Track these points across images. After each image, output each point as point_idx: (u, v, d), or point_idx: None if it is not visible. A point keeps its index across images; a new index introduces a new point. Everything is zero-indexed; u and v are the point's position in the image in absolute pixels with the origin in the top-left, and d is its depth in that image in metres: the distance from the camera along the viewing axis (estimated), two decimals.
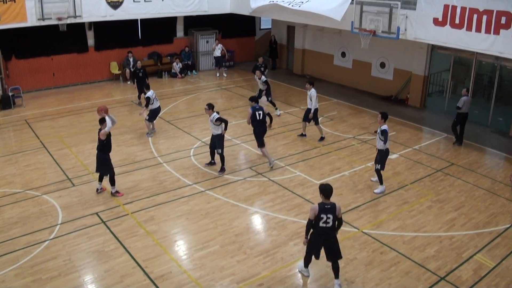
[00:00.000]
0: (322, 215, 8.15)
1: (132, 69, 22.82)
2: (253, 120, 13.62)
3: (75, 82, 22.61)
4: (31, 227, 10.52)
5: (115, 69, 23.44)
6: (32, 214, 11.07)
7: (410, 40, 16.73)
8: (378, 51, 21.23)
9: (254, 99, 13.96)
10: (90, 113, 18.30)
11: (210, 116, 13.06)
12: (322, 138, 15.92)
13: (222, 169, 13.43)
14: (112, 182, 11.95)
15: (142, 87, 19.16)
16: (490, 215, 11.57)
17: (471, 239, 10.47)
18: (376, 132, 12.50)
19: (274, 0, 20.55)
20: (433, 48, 19.19)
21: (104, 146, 11.61)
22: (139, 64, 19.74)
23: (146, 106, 15.84)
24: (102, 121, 11.40)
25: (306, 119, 15.82)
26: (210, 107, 13.03)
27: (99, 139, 11.50)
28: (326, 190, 8.21)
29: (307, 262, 8.98)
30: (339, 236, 8.59)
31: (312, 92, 15.39)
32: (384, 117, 12.01)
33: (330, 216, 8.15)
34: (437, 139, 16.59)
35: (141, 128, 16.72)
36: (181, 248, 10.05)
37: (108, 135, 11.55)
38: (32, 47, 20.87)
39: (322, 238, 8.39)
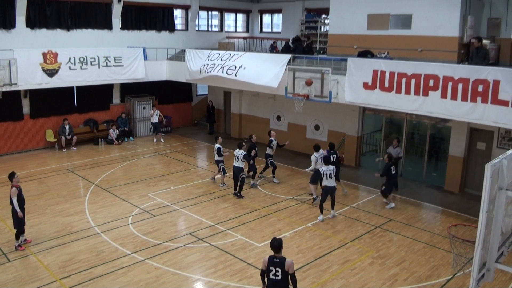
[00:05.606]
0: (270, 268, 8.37)
1: (67, 137, 22.44)
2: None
3: (10, 151, 21.82)
4: None
5: (50, 137, 22.87)
6: None
7: (342, 103, 17.43)
8: (312, 114, 21.93)
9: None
10: (25, 183, 17.49)
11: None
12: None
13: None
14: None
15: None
16: (431, 267, 11.84)
17: None
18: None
19: (209, 71, 20.98)
20: (365, 109, 20.00)
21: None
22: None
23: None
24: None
25: None
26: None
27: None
28: (273, 244, 8.49)
29: None
30: None
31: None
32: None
33: (279, 269, 8.32)
34: (373, 196, 17.03)
35: (78, 197, 16.25)
36: None
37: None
38: None
39: None
